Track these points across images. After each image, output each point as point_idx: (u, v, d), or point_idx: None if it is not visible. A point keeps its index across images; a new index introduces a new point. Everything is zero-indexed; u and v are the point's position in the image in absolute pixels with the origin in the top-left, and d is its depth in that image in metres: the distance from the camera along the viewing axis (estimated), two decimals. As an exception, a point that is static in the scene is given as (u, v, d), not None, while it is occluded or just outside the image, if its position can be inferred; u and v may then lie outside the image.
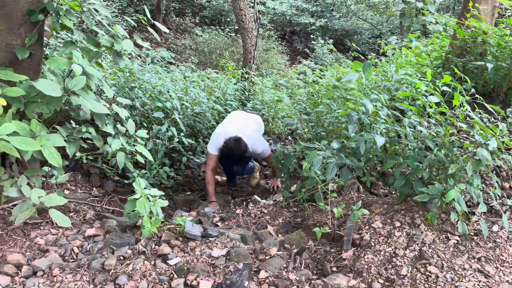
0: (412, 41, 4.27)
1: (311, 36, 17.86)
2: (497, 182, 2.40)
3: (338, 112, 2.83)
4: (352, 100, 2.79)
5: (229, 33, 14.06)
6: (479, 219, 2.43)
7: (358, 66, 2.41)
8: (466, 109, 2.39)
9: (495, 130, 2.20)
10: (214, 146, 3.77)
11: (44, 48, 3.56)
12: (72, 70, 2.69)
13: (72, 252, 2.49)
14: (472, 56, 4.10)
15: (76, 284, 2.16)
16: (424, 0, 9.86)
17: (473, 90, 2.85)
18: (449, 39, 4.77)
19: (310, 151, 2.45)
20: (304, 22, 18.60)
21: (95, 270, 2.27)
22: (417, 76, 3.73)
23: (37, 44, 2.93)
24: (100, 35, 2.99)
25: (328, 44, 16.22)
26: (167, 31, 3.24)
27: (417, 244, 2.24)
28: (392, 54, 5.38)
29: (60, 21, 2.83)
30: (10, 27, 2.76)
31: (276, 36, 17.29)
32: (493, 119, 2.77)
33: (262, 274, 2.21)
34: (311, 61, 14.85)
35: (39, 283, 2.16)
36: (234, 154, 3.68)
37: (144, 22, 3.24)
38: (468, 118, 2.42)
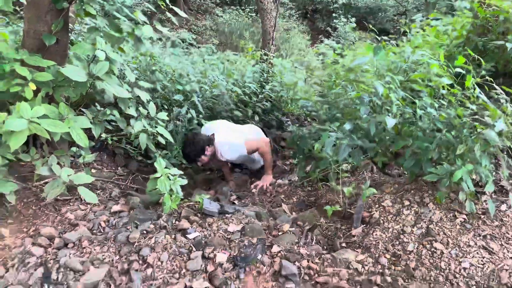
0: (432, 19, 4.22)
1: (333, 14, 17.55)
2: (507, 162, 2.43)
3: (352, 94, 2.88)
4: (365, 82, 2.84)
5: (249, 13, 13.99)
6: (488, 198, 2.48)
7: (369, 49, 2.45)
8: (477, 91, 2.41)
9: (506, 110, 2.22)
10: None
11: (70, 34, 3.72)
12: (96, 55, 2.84)
13: (100, 226, 2.68)
14: (493, 35, 4.03)
15: (103, 255, 2.35)
16: (450, -24, 9.56)
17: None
18: (471, 17, 4.68)
19: (322, 132, 2.54)
20: (326, 0, 18.26)
21: (121, 242, 2.45)
22: (434, 57, 3.71)
23: (63, 31, 3.07)
24: (122, 21, 3.10)
25: (351, 22, 15.94)
26: (185, 15, 3.33)
27: (425, 222, 2.32)
28: (415, 33, 5.31)
29: (83, 8, 2.96)
30: (37, 14, 2.90)
31: (297, 15, 17.08)
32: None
33: (275, 248, 2.35)
34: (333, 40, 14.66)
35: (70, 254, 2.36)
36: (185, 150, 3.55)
37: (163, 7, 3.34)
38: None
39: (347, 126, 2.58)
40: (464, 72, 2.62)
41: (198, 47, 9.72)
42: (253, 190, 3.49)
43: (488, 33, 4.18)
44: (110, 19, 3.15)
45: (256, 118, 5.22)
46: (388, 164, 3.33)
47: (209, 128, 3.71)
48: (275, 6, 6.65)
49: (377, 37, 4.98)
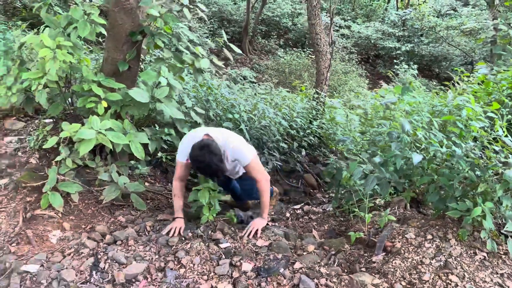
0: (480, 68, 4.29)
1: (395, 60, 17.62)
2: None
3: (385, 131, 3.05)
4: (395, 120, 3.00)
5: (310, 55, 14.49)
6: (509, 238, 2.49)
7: (398, 90, 2.64)
8: (503, 134, 2.49)
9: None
10: (180, 151, 3.03)
11: (140, 63, 4.27)
12: (159, 81, 3.28)
13: (145, 230, 3.01)
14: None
15: (145, 253, 2.66)
16: (515, 27, 9.39)
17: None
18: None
19: (351, 162, 2.72)
20: (389, 47, 18.43)
21: (161, 244, 2.75)
22: (479, 103, 3.78)
23: (135, 59, 3.58)
24: (184, 54, 3.55)
25: (412, 69, 15.91)
26: (240, 52, 3.73)
27: (444, 255, 2.38)
28: (465, 81, 5.36)
29: (154, 41, 3.45)
30: (116, 45, 3.43)
31: (358, 59, 17.34)
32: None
33: (297, 265, 2.52)
34: (393, 85, 14.67)
35: (117, 249, 2.69)
36: (202, 167, 2.80)
37: (221, 44, 3.78)
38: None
39: (377, 159, 2.74)
40: (496, 117, 2.71)
41: (258, 85, 10.29)
42: (245, 237, 2.87)
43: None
44: (174, 52, 3.62)
45: (303, 152, 5.46)
46: (423, 203, 3.40)
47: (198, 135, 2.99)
48: (330, 48, 6.98)
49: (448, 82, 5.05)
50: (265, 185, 3.01)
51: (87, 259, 2.58)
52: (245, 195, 3.60)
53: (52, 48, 2.91)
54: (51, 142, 3.04)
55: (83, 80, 3.35)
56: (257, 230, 2.92)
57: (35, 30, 3.85)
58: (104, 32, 3.43)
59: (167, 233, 2.86)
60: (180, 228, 2.90)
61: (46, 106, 3.17)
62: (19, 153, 3.57)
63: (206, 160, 2.73)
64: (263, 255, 2.62)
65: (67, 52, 3.04)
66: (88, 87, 3.13)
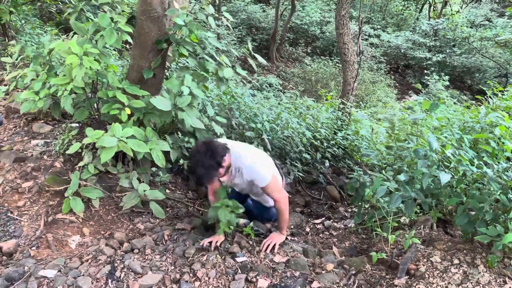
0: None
1: (426, 71, 17.22)
2: None
3: (411, 147, 2.93)
4: (422, 136, 2.88)
5: (337, 64, 14.34)
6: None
7: (426, 105, 2.53)
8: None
9: None
10: None
11: (166, 71, 4.29)
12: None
13: (163, 239, 3.00)
14: None
15: (161, 263, 2.64)
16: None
17: None
18: None
19: (376, 178, 2.62)
20: (419, 57, 18.04)
21: (177, 255, 2.72)
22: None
23: (160, 67, 3.59)
24: (209, 63, 3.54)
25: (443, 80, 15.49)
26: (265, 62, 3.69)
27: (471, 282, 2.24)
28: (499, 96, 5.14)
29: (178, 50, 3.45)
30: (142, 52, 3.46)
31: (387, 69, 17.05)
32: None
33: (315, 284, 2.44)
34: (423, 97, 14.31)
35: (134, 258, 2.68)
36: (191, 164, 2.59)
37: (247, 53, 3.75)
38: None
39: (402, 177, 2.64)
40: (532, 136, 2.56)
41: (284, 92, 10.23)
42: (262, 251, 2.77)
43: None
44: (199, 60, 3.62)
45: (326, 163, 5.35)
46: (450, 224, 3.25)
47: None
48: (358, 58, 6.86)
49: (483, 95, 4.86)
50: (283, 204, 2.84)
51: (104, 266, 2.58)
52: (259, 215, 3.39)
53: (79, 55, 2.95)
54: (75, 147, 3.08)
55: (109, 87, 3.39)
56: (274, 244, 2.81)
57: (65, 36, 3.93)
58: (131, 40, 3.46)
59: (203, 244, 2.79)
60: (219, 242, 2.81)
61: (71, 111, 3.22)
62: (45, 157, 3.64)
63: (195, 160, 2.50)
64: (280, 271, 2.55)
65: (94, 59, 3.08)
66: (113, 93, 3.16)
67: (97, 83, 3.61)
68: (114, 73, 4.34)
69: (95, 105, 3.68)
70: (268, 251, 2.77)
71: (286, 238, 3.01)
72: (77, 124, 3.95)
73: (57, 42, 3.24)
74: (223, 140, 2.93)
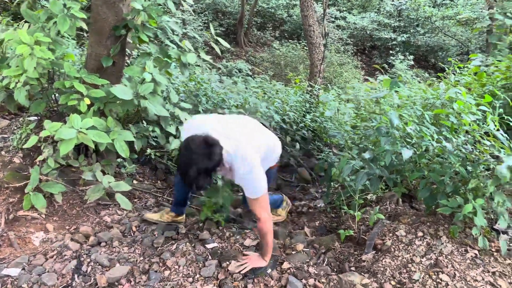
0: (474, 59, 4.20)
1: (391, 51, 17.49)
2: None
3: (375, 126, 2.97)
4: (385, 114, 2.92)
5: (305, 47, 14.35)
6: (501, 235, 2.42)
7: (387, 84, 2.56)
8: (495, 128, 2.41)
9: None
10: None
11: (127, 58, 4.16)
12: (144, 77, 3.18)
13: (131, 230, 2.94)
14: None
15: (129, 255, 2.59)
16: (512, 17, 9.28)
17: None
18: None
19: (342, 158, 2.64)
20: (385, 37, 18.28)
21: (146, 246, 2.68)
22: (472, 96, 3.71)
23: (120, 55, 3.47)
24: (170, 48, 3.45)
25: (408, 60, 15.79)
26: (228, 46, 3.63)
27: (435, 253, 2.31)
28: (457, 72, 5.27)
29: (138, 35, 3.34)
30: (99, 40, 3.33)
31: (353, 51, 17.21)
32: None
33: (285, 265, 2.45)
34: (389, 77, 14.54)
35: (101, 251, 2.62)
36: (180, 167, 2.21)
37: (209, 38, 3.67)
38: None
39: (366, 155, 2.67)
40: (488, 110, 2.63)
41: (253, 77, 10.15)
42: (235, 269, 2.38)
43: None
44: (160, 46, 3.51)
45: (297, 146, 5.38)
46: (415, 198, 3.33)
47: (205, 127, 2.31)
48: (323, 40, 6.88)
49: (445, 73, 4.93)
50: (267, 226, 2.32)
51: (69, 262, 2.51)
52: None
53: (30, 45, 2.81)
54: (32, 141, 2.95)
55: (66, 76, 3.25)
56: (251, 268, 2.39)
57: (16, 25, 3.73)
58: (85, 27, 3.32)
59: None
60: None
61: (26, 104, 3.08)
62: (3, 152, 3.48)
63: (189, 161, 2.11)
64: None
65: (48, 48, 2.93)
66: (70, 83, 3.03)
67: (54, 73, 3.46)
68: (73, 62, 4.18)
69: (53, 96, 3.53)
70: (242, 272, 2.36)
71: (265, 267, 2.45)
72: (36, 117, 3.79)
73: (7, 32, 3.07)
74: (214, 118, 2.49)
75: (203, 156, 2.10)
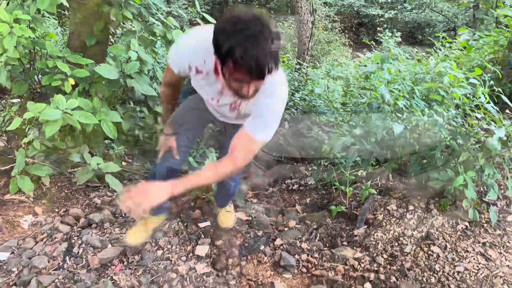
0: (462, 34, 4.20)
1: (379, 28, 17.42)
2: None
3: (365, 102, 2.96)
4: (375, 90, 2.91)
5: (292, 25, 14.19)
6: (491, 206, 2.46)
7: (377, 58, 2.54)
8: (485, 101, 2.42)
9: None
10: (175, 56, 1.91)
11: (111, 37, 4.04)
12: (129, 56, 3.10)
13: (122, 211, 2.91)
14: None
15: (121, 236, 2.57)
16: (499, -9, 9.25)
17: None
18: (508, 32, 4.61)
19: (333, 135, 2.64)
20: (372, 14, 18.19)
21: (137, 226, 2.65)
22: (461, 70, 3.71)
23: (103, 33, 3.36)
24: (155, 25, 3.35)
25: (396, 36, 15.75)
26: (215, 22, 3.53)
27: (426, 226, 2.35)
28: (446, 47, 5.26)
29: (121, 13, 3.23)
30: (81, 17, 3.21)
31: (341, 28, 17.08)
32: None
33: (278, 241, 2.47)
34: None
35: (92, 233, 2.60)
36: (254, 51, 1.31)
37: (195, 14, 3.58)
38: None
39: (357, 131, 2.66)
40: (478, 83, 2.64)
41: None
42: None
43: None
44: (145, 23, 3.41)
45: (286, 125, 5.35)
46: (405, 173, 3.35)
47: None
48: (311, 17, 6.79)
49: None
50: (229, 171, 1.68)
51: (60, 244, 2.48)
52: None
53: (9, 23, 2.70)
54: (16, 123, 2.86)
55: (49, 56, 3.15)
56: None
57: (-6, 3, 3.58)
58: (66, 3, 3.21)
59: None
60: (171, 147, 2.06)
61: (8, 85, 2.98)
62: (-14, 136, 3.40)
63: (257, 45, 1.31)
64: (243, 232, 2.56)
65: (28, 27, 2.83)
66: (53, 63, 2.93)
67: (35, 53, 3.35)
68: (55, 42, 4.06)
69: (36, 77, 3.42)
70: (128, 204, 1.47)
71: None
72: (19, 100, 3.69)
73: (-16, 10, 2.94)
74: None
75: (277, 35, 1.38)
